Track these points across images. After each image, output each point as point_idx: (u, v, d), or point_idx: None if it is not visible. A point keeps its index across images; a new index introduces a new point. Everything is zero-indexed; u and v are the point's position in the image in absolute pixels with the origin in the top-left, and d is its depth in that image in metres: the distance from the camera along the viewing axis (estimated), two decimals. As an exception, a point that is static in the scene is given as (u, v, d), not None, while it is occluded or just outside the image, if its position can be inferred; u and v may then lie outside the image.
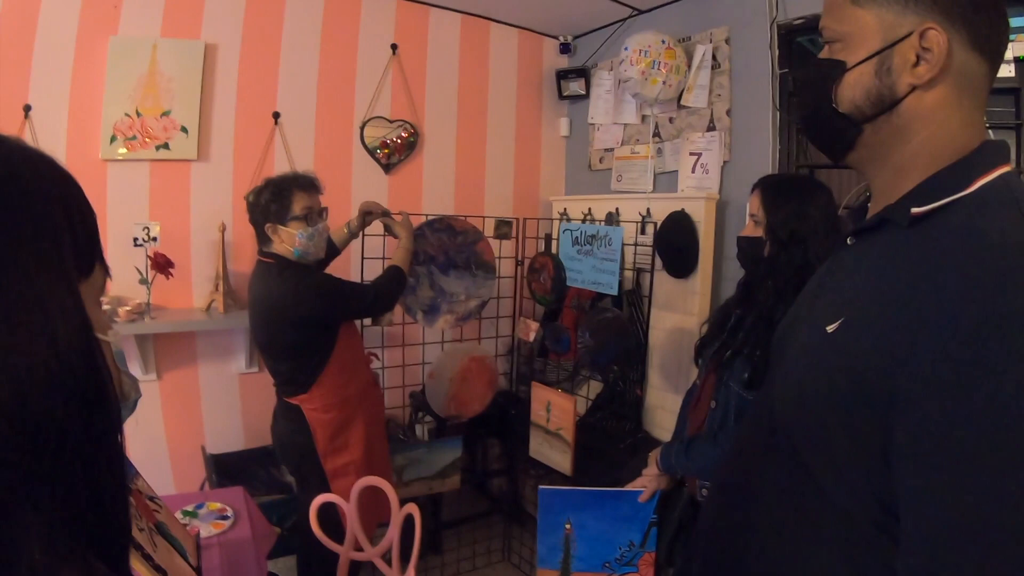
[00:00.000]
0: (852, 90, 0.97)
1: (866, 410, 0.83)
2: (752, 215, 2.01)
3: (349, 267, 3.41)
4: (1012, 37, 2.46)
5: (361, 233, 3.07)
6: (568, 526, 2.11)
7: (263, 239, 2.64)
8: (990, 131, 2.54)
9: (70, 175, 0.71)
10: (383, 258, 3.15)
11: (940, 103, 0.92)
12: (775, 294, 1.89)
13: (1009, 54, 2.48)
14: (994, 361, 0.71)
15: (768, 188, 2.00)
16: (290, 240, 2.60)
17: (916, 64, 0.91)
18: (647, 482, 2.10)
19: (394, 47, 3.98)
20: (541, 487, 2.16)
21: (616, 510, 2.09)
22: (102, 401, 0.61)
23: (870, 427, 0.83)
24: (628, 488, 2.12)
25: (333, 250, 2.98)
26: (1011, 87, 2.54)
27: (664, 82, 3.45)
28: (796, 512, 0.99)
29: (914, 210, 0.90)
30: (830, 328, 0.95)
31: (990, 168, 0.89)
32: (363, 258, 3.24)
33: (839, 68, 0.98)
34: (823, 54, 1.02)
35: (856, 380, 0.86)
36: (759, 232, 1.98)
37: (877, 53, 0.94)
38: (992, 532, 0.69)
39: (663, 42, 3.46)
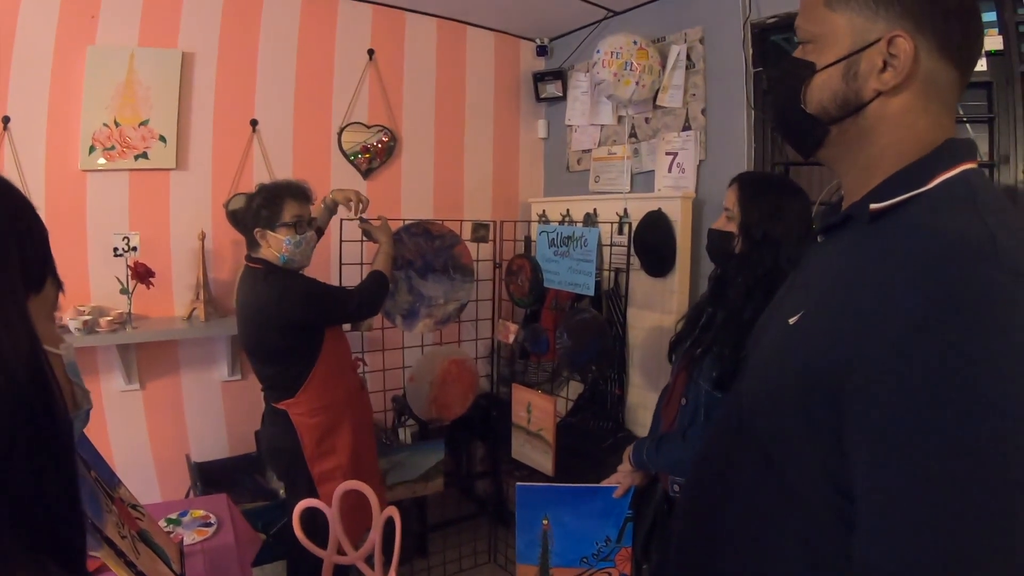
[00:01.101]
0: (820, 92, 0.99)
1: (821, 398, 0.86)
2: (727, 209, 2.03)
3: (329, 272, 3.42)
4: (983, 32, 2.52)
5: (340, 240, 3.08)
6: (545, 522, 2.13)
7: (252, 244, 2.67)
8: (968, 126, 2.59)
9: (17, 191, 0.72)
10: (362, 264, 3.16)
11: (905, 108, 0.94)
12: (745, 292, 1.91)
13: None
14: (938, 349, 0.73)
15: (746, 185, 2.02)
16: (277, 246, 2.63)
17: (883, 70, 0.93)
18: (621, 478, 2.13)
19: (371, 52, 3.99)
20: (518, 484, 2.19)
21: (592, 506, 2.12)
22: (50, 412, 0.63)
23: (825, 415, 0.85)
24: (603, 484, 2.15)
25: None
26: (984, 81, 2.56)
27: (637, 83, 3.47)
28: (762, 506, 1.01)
29: (872, 206, 0.92)
30: (791, 320, 0.99)
31: (951, 165, 0.90)
32: (341, 264, 3.25)
33: (808, 69, 1.00)
34: (796, 53, 1.04)
35: (811, 369, 0.89)
36: (731, 227, 2.00)
37: (845, 57, 0.96)
38: (941, 515, 0.72)
39: (635, 43, 3.48)
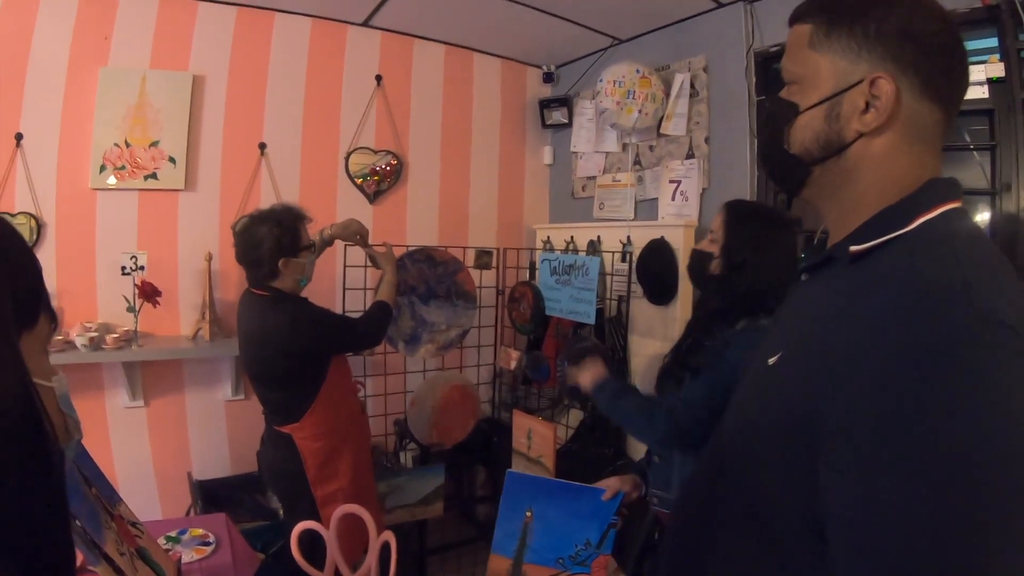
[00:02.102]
0: (803, 132, 0.99)
1: (796, 441, 0.86)
2: (712, 231, 2.04)
3: (333, 297, 3.45)
4: (984, 58, 2.52)
5: (344, 266, 3.11)
6: (529, 514, 2.09)
7: (268, 274, 2.63)
8: (975, 153, 2.60)
9: (13, 230, 0.75)
10: (365, 289, 3.19)
11: (887, 149, 0.94)
12: (714, 314, 1.94)
13: (982, 76, 2.53)
14: (908, 395, 0.73)
15: (733, 210, 2.03)
16: (299, 270, 2.66)
17: (865, 111, 0.93)
18: (612, 482, 2.10)
19: (379, 78, 4.04)
20: (509, 471, 2.15)
21: (578, 505, 2.06)
22: (41, 445, 0.66)
23: (800, 458, 0.85)
24: (594, 485, 2.11)
25: None
26: (986, 108, 2.57)
27: (640, 111, 3.51)
28: (743, 546, 1.00)
29: (852, 248, 0.92)
30: (771, 361, 0.99)
31: (932, 206, 0.90)
32: (344, 289, 3.28)
33: (792, 110, 1.00)
34: (782, 93, 1.04)
35: (787, 412, 0.89)
36: (713, 248, 2.01)
37: (828, 99, 0.96)
38: (914, 560, 0.72)
39: (637, 72, 3.52)
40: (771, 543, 0.94)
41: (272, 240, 2.58)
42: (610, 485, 2.08)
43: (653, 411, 1.98)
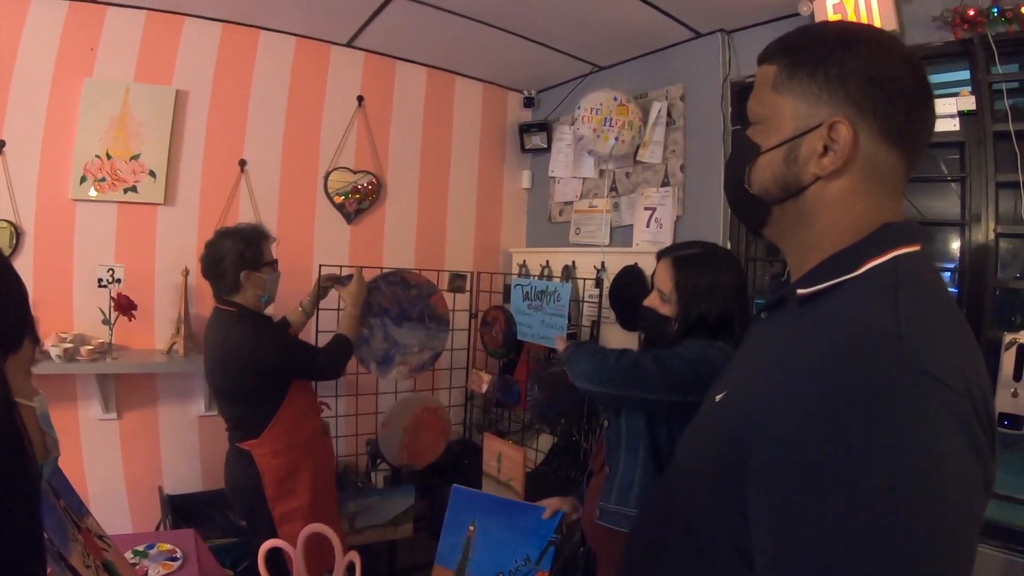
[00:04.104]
0: (763, 173, 1.00)
1: (729, 476, 0.88)
2: (660, 291, 2.00)
3: (308, 339, 3.46)
4: (956, 91, 2.57)
5: (316, 307, 3.15)
6: (472, 528, 2.13)
7: (231, 287, 2.69)
8: (951, 184, 2.64)
9: (4, 260, 0.79)
10: (338, 310, 3.20)
11: (844, 192, 0.94)
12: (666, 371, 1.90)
13: (953, 108, 2.58)
14: (827, 440, 0.75)
15: (680, 266, 1.98)
16: (260, 285, 2.70)
17: (823, 154, 0.93)
18: (552, 501, 2.13)
19: (360, 99, 4.08)
20: (454, 485, 2.19)
21: (519, 522, 2.11)
22: (20, 462, 0.69)
23: (730, 492, 0.87)
24: (535, 504, 2.15)
25: (289, 330, 3.07)
26: (957, 140, 2.62)
27: (617, 138, 3.55)
28: (683, 565, 1.03)
29: (799, 291, 0.94)
30: (717, 398, 1.01)
31: (883, 251, 0.90)
32: (317, 332, 3.28)
33: (754, 151, 1.01)
34: (748, 132, 1.05)
35: (723, 447, 0.91)
36: (667, 311, 1.98)
37: (787, 141, 0.96)
38: None
39: (615, 99, 3.57)
40: (709, 569, 0.96)
41: (235, 253, 2.65)
42: (550, 504, 2.12)
43: (640, 356, 1.93)
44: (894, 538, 0.70)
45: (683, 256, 2.02)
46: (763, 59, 1.03)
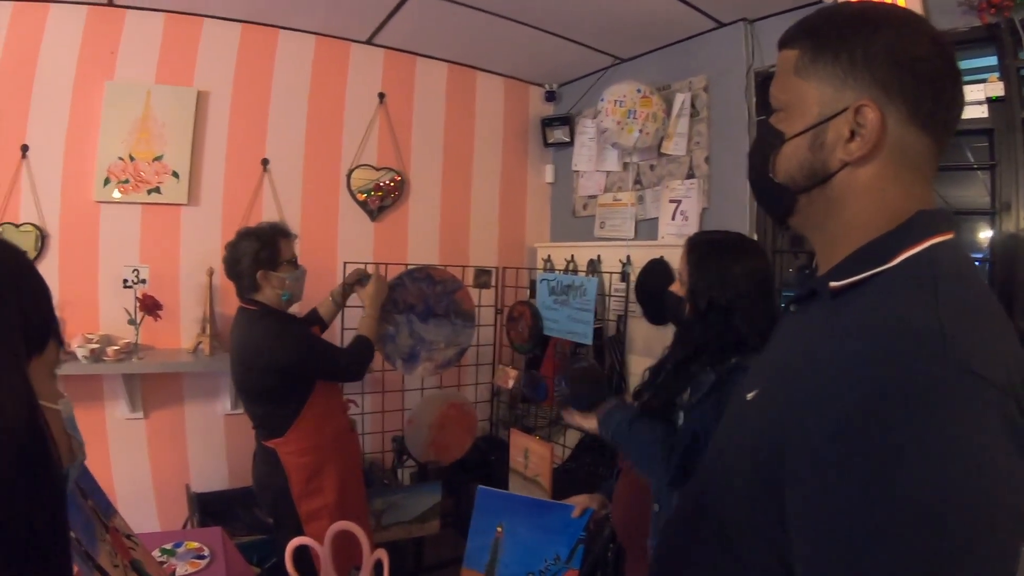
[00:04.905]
0: (788, 161, 0.96)
1: (766, 478, 0.85)
2: (679, 273, 1.99)
3: (333, 338, 3.46)
4: (984, 77, 2.51)
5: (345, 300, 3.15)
6: (499, 529, 2.11)
7: (249, 287, 2.70)
8: (979, 172, 2.58)
9: (22, 255, 0.78)
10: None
11: (874, 178, 0.91)
12: (690, 358, 1.89)
13: (981, 95, 2.52)
14: (867, 444, 0.72)
15: (694, 249, 1.95)
16: (280, 284, 2.69)
17: (850, 140, 0.90)
18: (581, 499, 2.11)
19: (381, 96, 4.08)
20: (480, 487, 2.18)
21: (548, 521, 2.10)
22: (45, 465, 0.68)
23: (767, 495, 0.84)
24: (563, 502, 2.14)
25: (320, 322, 3.07)
26: (986, 128, 2.55)
27: (641, 130, 3.52)
28: (716, 573, 1.00)
29: (832, 284, 0.90)
30: (749, 396, 0.98)
31: (918, 240, 0.87)
32: (343, 329, 3.30)
33: (778, 138, 0.97)
34: (771, 120, 1.01)
35: (759, 448, 0.88)
36: (683, 292, 1.95)
37: (813, 127, 0.93)
38: None
39: (639, 91, 3.54)
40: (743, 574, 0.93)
41: (251, 254, 2.66)
42: (579, 502, 2.10)
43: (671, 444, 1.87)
44: (941, 541, 0.68)
45: (699, 238, 2.01)
46: (784, 43, 0.99)
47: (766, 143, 1.00)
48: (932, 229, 0.88)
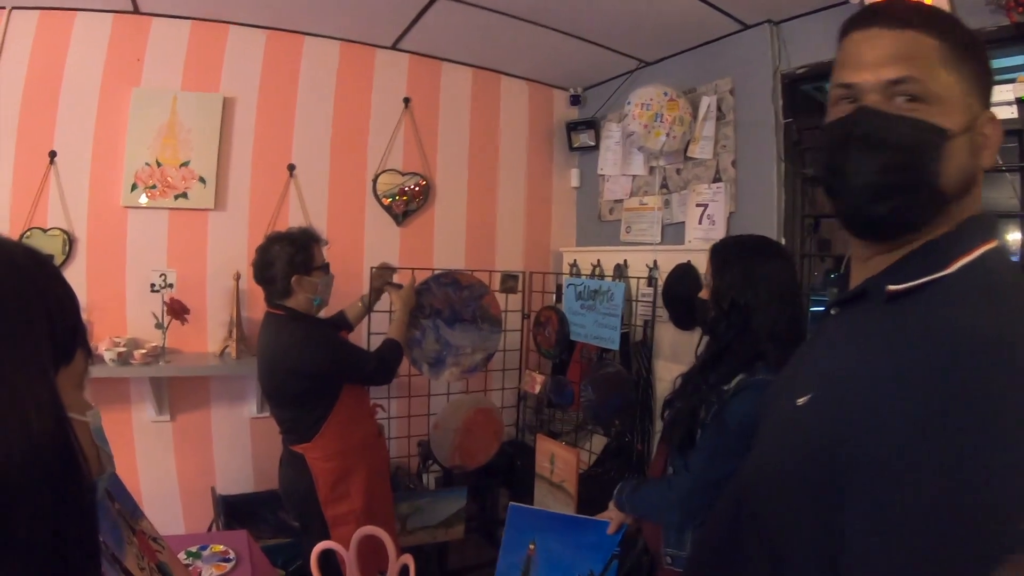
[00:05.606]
0: (949, 164, 0.86)
1: (822, 482, 0.83)
2: (705, 277, 2.00)
3: (360, 341, 3.47)
4: (1013, 77, 2.46)
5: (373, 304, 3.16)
6: (532, 546, 2.09)
7: (282, 292, 2.69)
8: (1007, 173, 2.53)
9: (49, 264, 0.77)
10: (390, 312, 3.19)
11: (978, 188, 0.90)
12: (704, 362, 1.91)
13: (1010, 95, 2.46)
14: (941, 454, 0.72)
15: (716, 253, 1.97)
16: (312, 288, 2.70)
17: (984, 147, 0.88)
18: (615, 515, 2.08)
19: (407, 100, 4.08)
20: (511, 503, 2.17)
21: (582, 538, 2.07)
22: (74, 478, 0.67)
23: (824, 498, 0.83)
24: (597, 518, 2.11)
25: (347, 325, 3.08)
26: (1015, 128, 2.48)
27: (668, 134, 3.49)
28: None
29: (890, 288, 0.87)
30: (800, 401, 0.93)
31: (972, 247, 0.85)
32: (369, 333, 3.31)
33: (942, 136, 0.86)
34: (916, 114, 0.87)
35: (816, 451, 0.86)
36: (707, 296, 1.97)
37: (969, 129, 0.87)
38: None
39: (665, 94, 3.51)
40: None
41: (285, 258, 2.65)
42: (613, 518, 2.07)
43: (671, 486, 1.92)
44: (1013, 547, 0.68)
45: (722, 243, 2.03)
46: (905, 23, 0.89)
47: (923, 140, 0.87)
48: (983, 236, 0.87)
